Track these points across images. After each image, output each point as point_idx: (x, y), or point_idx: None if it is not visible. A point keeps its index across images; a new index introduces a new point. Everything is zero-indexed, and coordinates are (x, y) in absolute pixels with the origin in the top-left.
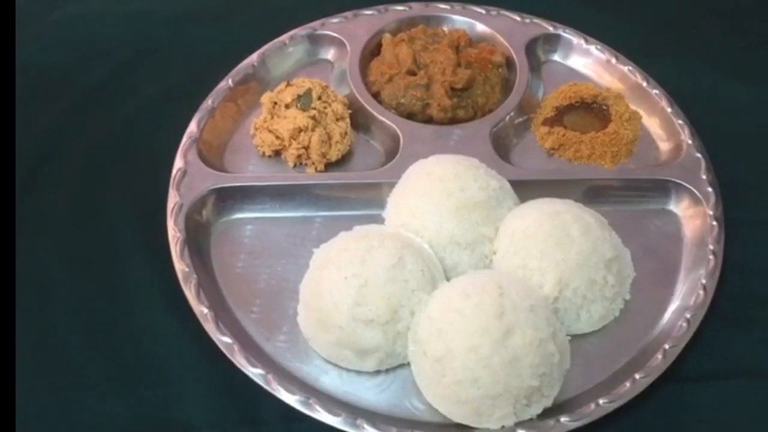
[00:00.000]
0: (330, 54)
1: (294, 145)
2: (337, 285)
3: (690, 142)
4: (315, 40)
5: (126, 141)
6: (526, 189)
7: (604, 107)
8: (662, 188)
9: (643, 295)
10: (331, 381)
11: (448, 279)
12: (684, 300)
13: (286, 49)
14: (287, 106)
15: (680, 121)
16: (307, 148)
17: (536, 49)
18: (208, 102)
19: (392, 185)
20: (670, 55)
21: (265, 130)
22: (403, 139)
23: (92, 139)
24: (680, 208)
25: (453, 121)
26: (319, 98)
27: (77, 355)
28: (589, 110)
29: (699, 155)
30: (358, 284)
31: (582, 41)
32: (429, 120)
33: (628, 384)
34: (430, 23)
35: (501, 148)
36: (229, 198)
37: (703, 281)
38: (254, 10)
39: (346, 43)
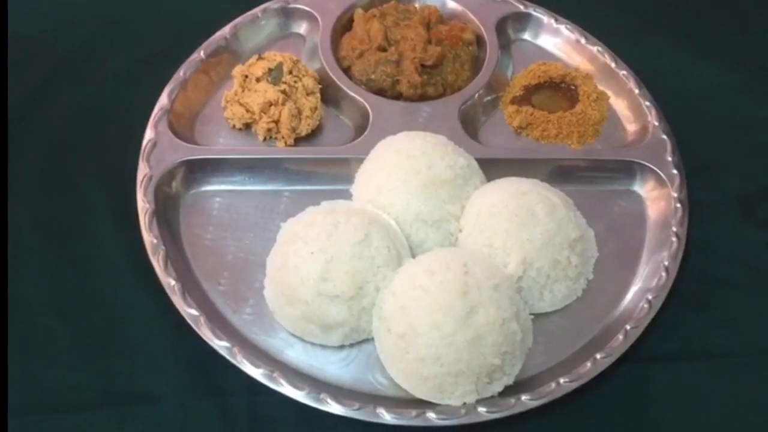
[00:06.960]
0: (302, 28)
1: (264, 119)
2: (304, 260)
3: (657, 123)
4: (287, 14)
5: (97, 111)
6: (493, 167)
7: (573, 87)
8: (628, 169)
9: (606, 275)
10: (296, 354)
11: (413, 256)
12: (646, 281)
13: (259, 22)
14: (258, 80)
15: (647, 103)
16: (277, 122)
17: (506, 27)
18: (180, 73)
19: (361, 161)
20: (640, 36)
21: (235, 103)
22: (372, 115)
23: (63, 108)
24: (645, 189)
25: (422, 97)
26: (290, 72)
27: (43, 323)
28: (558, 90)
29: (665, 137)
30: (324, 259)
31: (552, 20)
32: (398, 96)
33: (589, 364)
34: None
35: (469, 126)
36: (198, 170)
37: (666, 263)
38: None
39: (318, 17)
